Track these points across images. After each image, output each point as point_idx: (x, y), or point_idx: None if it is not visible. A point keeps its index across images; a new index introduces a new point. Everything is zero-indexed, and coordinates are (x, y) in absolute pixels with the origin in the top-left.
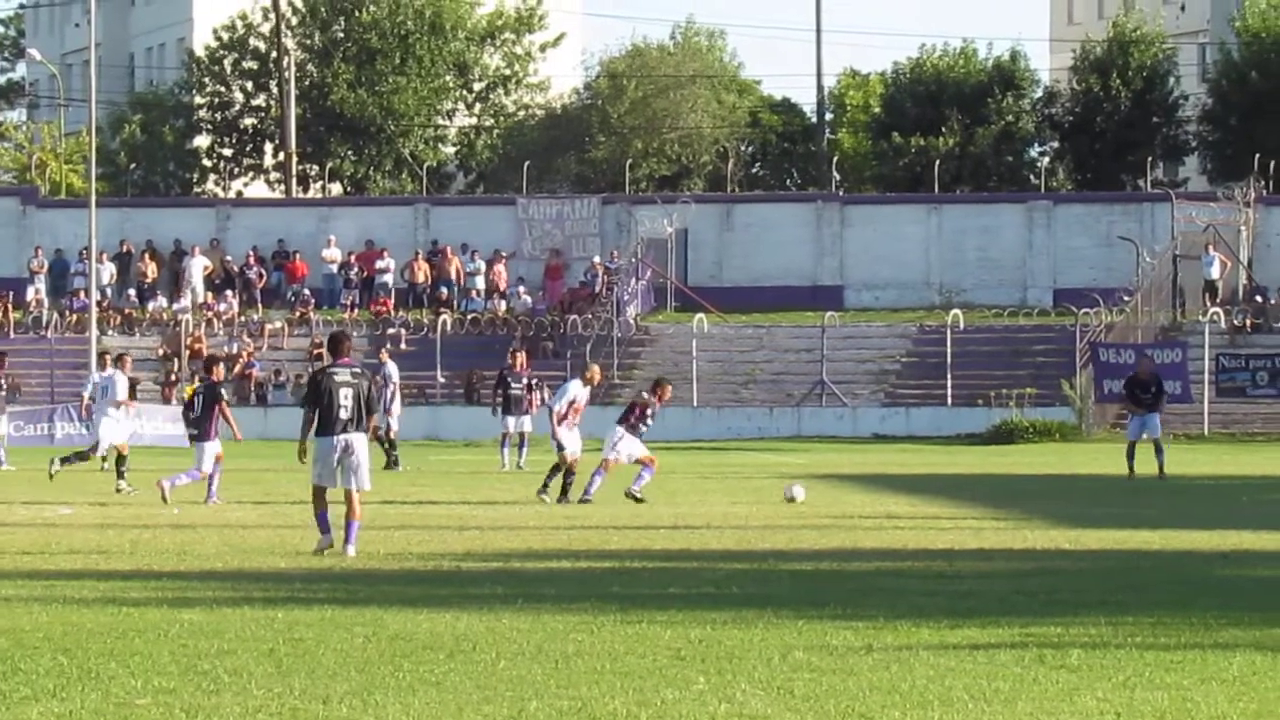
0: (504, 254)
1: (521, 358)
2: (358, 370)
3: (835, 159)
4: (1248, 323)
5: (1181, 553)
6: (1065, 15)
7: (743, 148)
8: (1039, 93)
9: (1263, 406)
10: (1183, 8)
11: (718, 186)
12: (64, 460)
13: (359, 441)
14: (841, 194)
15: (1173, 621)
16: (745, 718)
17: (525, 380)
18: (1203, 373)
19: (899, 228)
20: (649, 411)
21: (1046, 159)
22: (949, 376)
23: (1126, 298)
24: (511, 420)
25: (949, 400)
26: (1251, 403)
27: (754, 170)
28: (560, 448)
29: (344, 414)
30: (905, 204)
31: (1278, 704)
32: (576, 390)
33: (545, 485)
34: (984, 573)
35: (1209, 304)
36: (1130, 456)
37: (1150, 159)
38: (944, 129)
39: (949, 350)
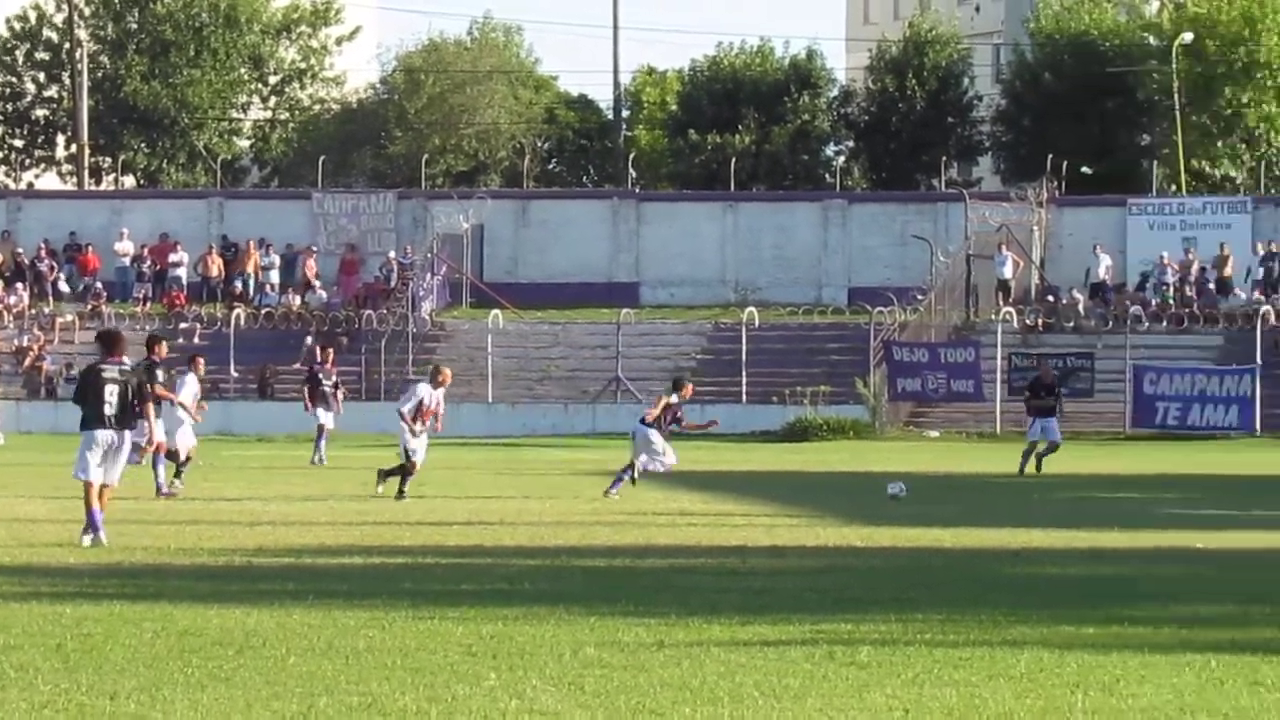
0: (313, 249)
1: (331, 354)
2: (126, 368)
3: (632, 156)
4: (1040, 322)
5: (972, 551)
6: (861, 15)
7: (539, 144)
8: (835, 92)
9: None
10: (977, 9)
11: (514, 182)
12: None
13: (123, 438)
14: (638, 191)
15: (962, 619)
16: (536, 714)
17: (334, 377)
18: (995, 372)
19: (695, 225)
20: (679, 414)
21: (842, 158)
22: (744, 374)
23: (920, 297)
24: (323, 414)
25: (744, 398)
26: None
27: (550, 166)
28: (408, 455)
29: (109, 410)
30: (701, 201)
31: (1064, 700)
32: (425, 393)
33: (383, 479)
34: (776, 570)
35: (1002, 303)
36: (1026, 457)
37: (945, 159)
38: (740, 127)
39: (744, 348)
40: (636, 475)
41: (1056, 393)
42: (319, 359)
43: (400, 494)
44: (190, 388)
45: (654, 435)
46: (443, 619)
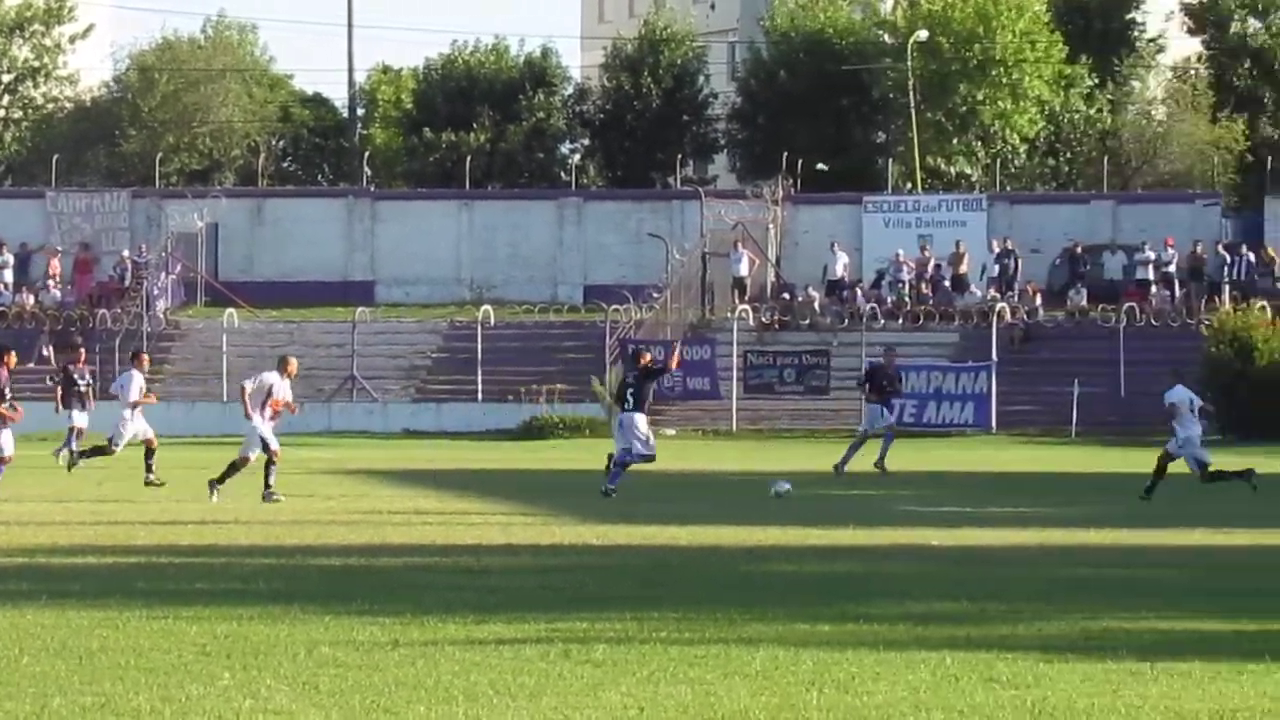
0: (58, 248)
1: (82, 353)
2: None
3: (367, 154)
4: (776, 320)
5: (708, 549)
6: (596, 13)
7: (274, 142)
8: (570, 90)
9: (789, 403)
10: (713, 7)
11: (249, 181)
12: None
13: None
14: (373, 189)
15: (698, 617)
16: (270, 713)
17: (88, 377)
18: (731, 369)
19: (430, 224)
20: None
21: (577, 156)
22: (480, 372)
23: (656, 294)
24: (77, 414)
25: (480, 396)
26: (779, 399)
27: (285, 165)
28: (265, 444)
29: None
30: (436, 200)
31: (799, 697)
32: (275, 380)
33: (268, 485)
34: (511, 568)
35: (738, 301)
36: (854, 449)
37: (680, 157)
38: (475, 125)
39: (480, 346)
40: (625, 461)
41: (897, 385)
42: (71, 356)
43: (212, 485)
44: (136, 382)
45: (640, 421)
46: (177, 618)
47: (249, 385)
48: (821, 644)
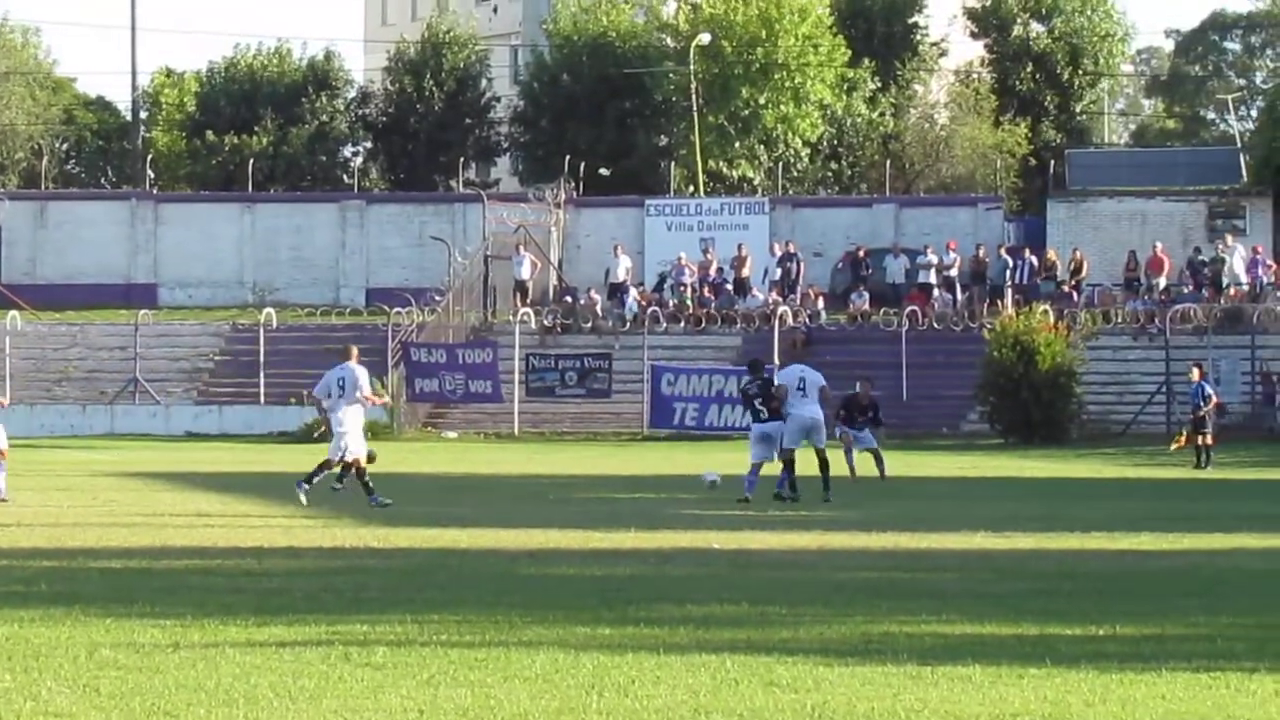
0: None
1: None
2: None
3: (150, 157)
4: (558, 323)
5: (488, 551)
6: (380, 16)
7: (58, 145)
8: (353, 93)
9: (571, 406)
10: (495, 10)
11: (32, 184)
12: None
13: None
14: (156, 192)
15: (478, 620)
16: (50, 715)
17: None
18: (513, 372)
19: (213, 226)
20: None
21: (360, 159)
22: (262, 375)
23: (439, 297)
24: None
25: (262, 398)
26: (560, 402)
27: (69, 167)
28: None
29: None
30: (219, 203)
31: (579, 700)
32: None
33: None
34: (293, 570)
35: (520, 304)
36: (848, 454)
37: (463, 160)
38: (258, 128)
39: (262, 349)
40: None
41: (872, 414)
42: None
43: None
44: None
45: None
46: None
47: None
48: (602, 647)
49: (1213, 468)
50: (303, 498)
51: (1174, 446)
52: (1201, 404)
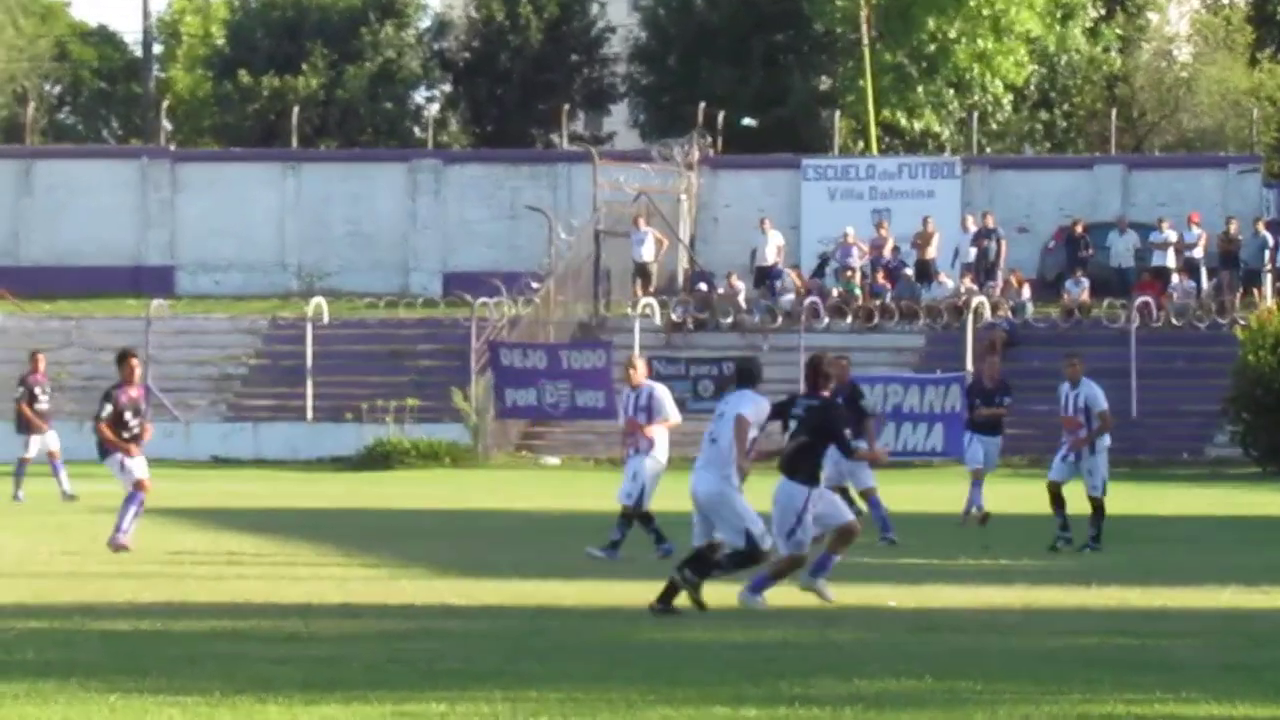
0: None
1: None
2: None
3: (166, 104)
4: (690, 318)
5: (600, 610)
6: None
7: (47, 88)
8: (427, 23)
9: (706, 423)
10: None
11: (14, 138)
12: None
13: None
14: (174, 149)
15: (586, 698)
16: None
17: None
18: None
19: (247, 193)
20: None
21: (435, 107)
22: (310, 384)
23: (536, 285)
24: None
25: (310, 414)
26: (693, 419)
27: (62, 117)
28: None
29: None
30: (255, 162)
31: None
32: None
33: None
34: (349, 634)
35: (640, 293)
36: (973, 497)
37: (568, 109)
38: (305, 67)
39: (310, 350)
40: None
41: (1002, 399)
42: None
43: None
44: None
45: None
46: None
47: None
48: None
49: None
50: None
51: None
52: None
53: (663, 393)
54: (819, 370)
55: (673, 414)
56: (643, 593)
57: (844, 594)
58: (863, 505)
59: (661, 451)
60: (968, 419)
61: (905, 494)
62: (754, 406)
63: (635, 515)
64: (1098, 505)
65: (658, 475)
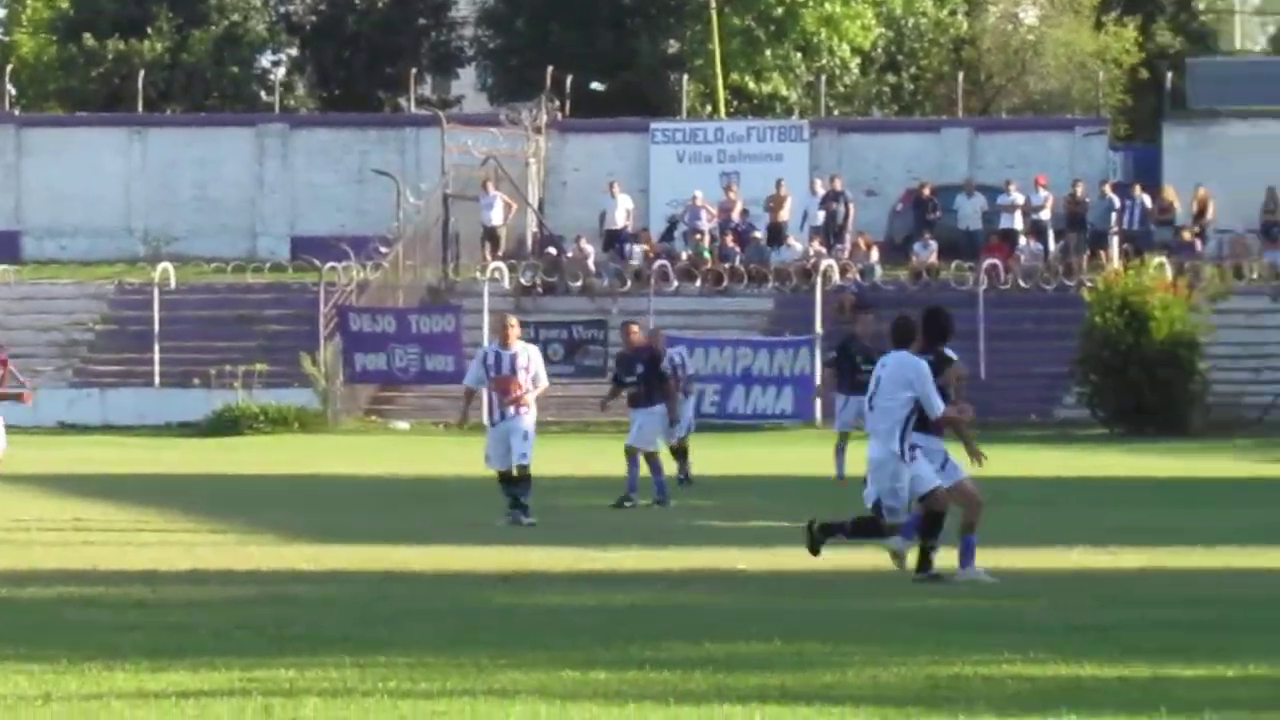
0: None
1: None
2: None
3: (10, 68)
4: (539, 281)
5: (450, 575)
6: None
7: None
8: None
9: (556, 388)
10: None
11: None
12: None
13: None
14: (18, 114)
15: (437, 663)
16: None
17: None
18: (481, 345)
19: (93, 158)
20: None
21: (282, 70)
22: (157, 349)
23: (384, 249)
24: None
25: (157, 379)
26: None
27: None
28: None
29: None
30: (101, 126)
31: None
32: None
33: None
34: (197, 600)
35: (490, 257)
36: (840, 454)
37: (415, 72)
38: (150, 30)
39: (157, 315)
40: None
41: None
42: None
43: None
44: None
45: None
46: None
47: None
48: (596, 696)
49: None
50: None
51: None
52: None
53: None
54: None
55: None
56: (491, 558)
57: (693, 557)
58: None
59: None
60: (840, 379)
61: (755, 457)
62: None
63: (516, 478)
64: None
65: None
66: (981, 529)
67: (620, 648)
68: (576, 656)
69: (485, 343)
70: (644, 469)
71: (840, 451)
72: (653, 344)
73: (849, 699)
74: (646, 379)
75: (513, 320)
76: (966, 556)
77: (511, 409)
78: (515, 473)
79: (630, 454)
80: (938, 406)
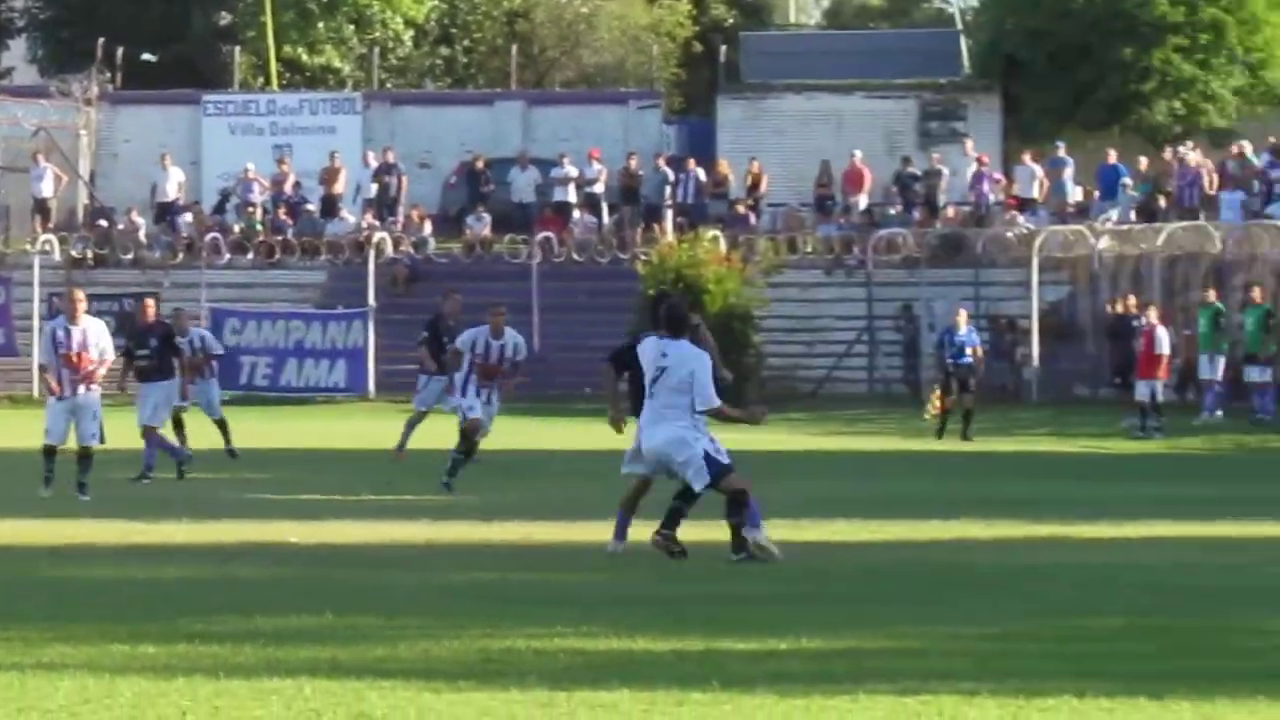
0: None
1: None
2: None
3: None
4: (91, 253)
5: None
6: None
7: None
8: None
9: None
10: None
11: None
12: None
13: None
14: None
15: None
16: None
17: None
18: (32, 317)
19: None
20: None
21: None
22: None
23: None
24: None
25: None
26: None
27: None
28: None
29: None
30: None
31: None
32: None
33: None
34: None
35: (41, 229)
36: (413, 425)
37: None
38: None
39: None
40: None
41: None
42: None
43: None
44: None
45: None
46: None
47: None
48: (145, 670)
49: (947, 438)
50: None
51: (931, 412)
52: (962, 357)
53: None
54: None
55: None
56: (39, 531)
57: (244, 531)
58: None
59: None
60: (431, 356)
61: (308, 430)
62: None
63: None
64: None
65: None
66: (543, 504)
67: (169, 621)
68: (125, 630)
69: (47, 316)
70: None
71: (411, 426)
72: (167, 320)
73: (400, 672)
74: (160, 354)
75: (80, 295)
76: (754, 517)
77: (82, 386)
78: (83, 452)
79: (147, 433)
80: (713, 399)
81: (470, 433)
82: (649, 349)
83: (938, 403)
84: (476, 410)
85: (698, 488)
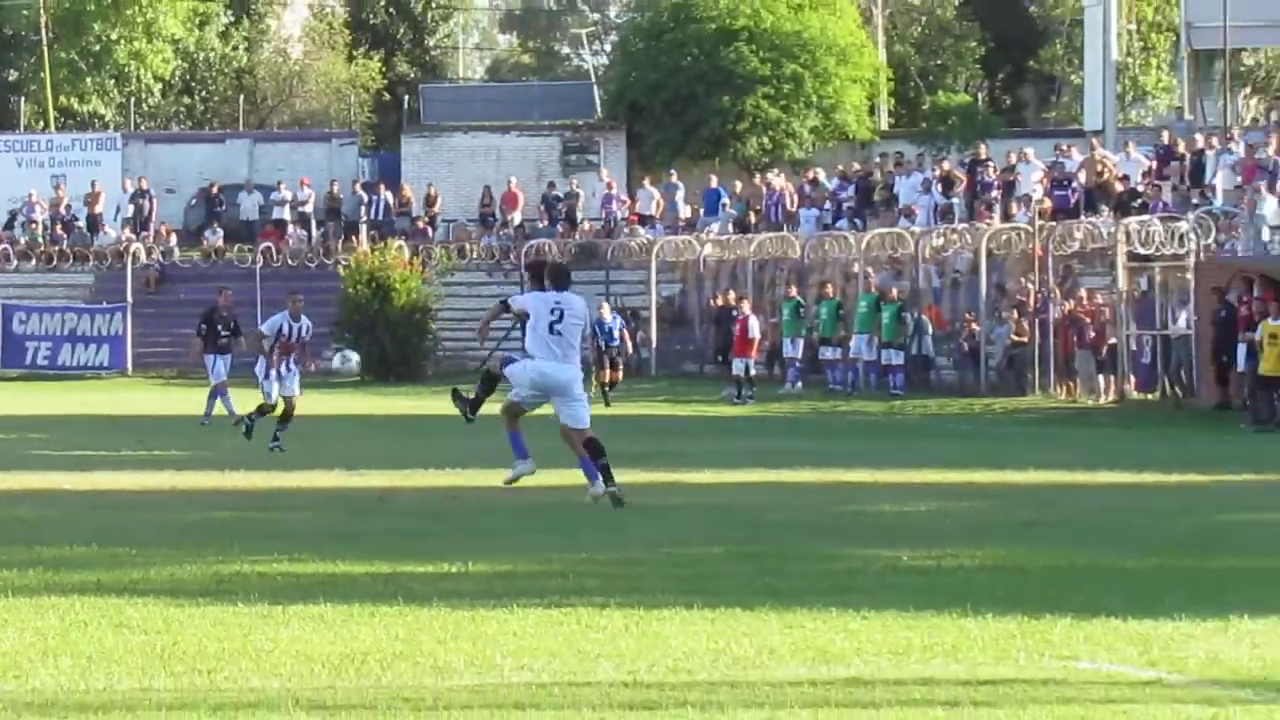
0: None
1: None
2: None
3: None
4: None
5: None
6: None
7: None
8: None
9: None
10: None
11: None
12: None
13: None
14: None
15: None
16: None
17: None
18: None
19: None
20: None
21: None
22: None
23: None
24: None
25: None
26: None
27: None
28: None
29: None
30: None
31: None
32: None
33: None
34: None
35: None
36: (212, 399)
37: None
38: None
39: None
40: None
41: (234, 327)
42: None
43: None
44: None
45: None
46: None
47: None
48: None
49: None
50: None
51: (593, 386)
52: (612, 339)
53: None
54: None
55: None
56: None
57: (28, 480)
58: None
59: None
60: (208, 342)
61: (80, 400)
62: None
63: None
64: (290, 409)
65: None
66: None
67: None
68: None
69: None
70: None
71: (213, 398)
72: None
73: (152, 591)
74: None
75: None
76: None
77: None
78: None
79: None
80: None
81: (266, 410)
82: (539, 298)
83: (604, 376)
84: (273, 397)
85: (586, 425)
